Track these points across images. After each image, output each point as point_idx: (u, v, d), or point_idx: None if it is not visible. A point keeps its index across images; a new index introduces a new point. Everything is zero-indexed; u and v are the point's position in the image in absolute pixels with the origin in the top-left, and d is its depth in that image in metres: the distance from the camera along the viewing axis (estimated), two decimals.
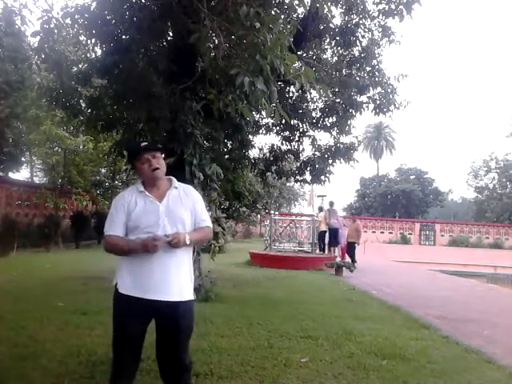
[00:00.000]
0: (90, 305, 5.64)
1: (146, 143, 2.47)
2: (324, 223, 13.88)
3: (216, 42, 3.92)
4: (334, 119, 9.23)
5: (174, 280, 2.30)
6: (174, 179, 2.47)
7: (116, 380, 2.38)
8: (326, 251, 13.64)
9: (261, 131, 9.93)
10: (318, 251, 14.16)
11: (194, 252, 2.51)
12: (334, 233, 13.02)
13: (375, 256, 15.56)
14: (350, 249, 13.40)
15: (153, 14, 5.24)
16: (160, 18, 5.31)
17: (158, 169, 2.34)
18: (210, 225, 2.51)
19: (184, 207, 2.37)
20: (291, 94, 8.90)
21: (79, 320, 4.87)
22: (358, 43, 7.98)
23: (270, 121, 9.64)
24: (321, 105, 9.46)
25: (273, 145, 9.95)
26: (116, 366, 2.39)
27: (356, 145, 9.55)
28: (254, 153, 9.90)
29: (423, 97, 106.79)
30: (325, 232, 13.96)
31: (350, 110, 8.80)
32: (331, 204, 13.64)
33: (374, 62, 8.42)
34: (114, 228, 2.32)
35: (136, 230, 2.30)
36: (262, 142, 11.36)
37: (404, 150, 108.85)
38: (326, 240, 14.10)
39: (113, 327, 2.37)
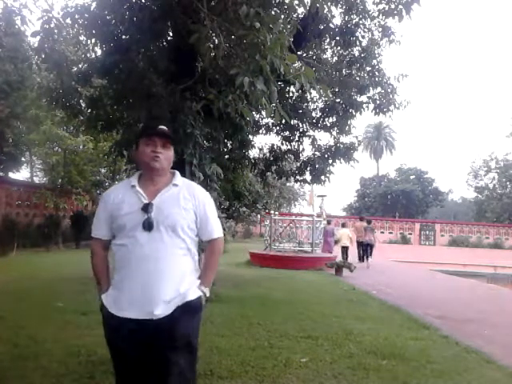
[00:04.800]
0: (90, 305, 5.62)
1: (164, 127, 2.04)
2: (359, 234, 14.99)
3: (216, 41, 3.91)
4: (334, 119, 9.23)
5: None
6: (177, 174, 2.05)
7: None
8: (365, 263, 14.23)
9: (261, 131, 9.92)
10: (357, 261, 14.39)
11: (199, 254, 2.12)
12: (370, 247, 14.63)
13: (375, 256, 15.61)
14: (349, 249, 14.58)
15: (153, 13, 5.23)
16: (160, 18, 5.31)
17: (158, 157, 1.95)
18: (221, 234, 2.09)
19: (182, 209, 1.94)
20: (291, 94, 8.88)
21: (79, 320, 4.88)
22: (357, 43, 7.97)
23: (270, 121, 9.64)
24: (321, 105, 9.45)
25: (273, 145, 9.95)
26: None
27: (356, 145, 9.54)
28: (254, 153, 9.91)
29: (423, 97, 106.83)
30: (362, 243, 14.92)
31: (350, 110, 8.79)
32: (369, 222, 15.23)
33: (374, 61, 8.41)
34: (97, 229, 2.05)
35: (121, 231, 1.94)
36: (262, 142, 11.37)
37: (404, 149, 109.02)
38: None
39: None
